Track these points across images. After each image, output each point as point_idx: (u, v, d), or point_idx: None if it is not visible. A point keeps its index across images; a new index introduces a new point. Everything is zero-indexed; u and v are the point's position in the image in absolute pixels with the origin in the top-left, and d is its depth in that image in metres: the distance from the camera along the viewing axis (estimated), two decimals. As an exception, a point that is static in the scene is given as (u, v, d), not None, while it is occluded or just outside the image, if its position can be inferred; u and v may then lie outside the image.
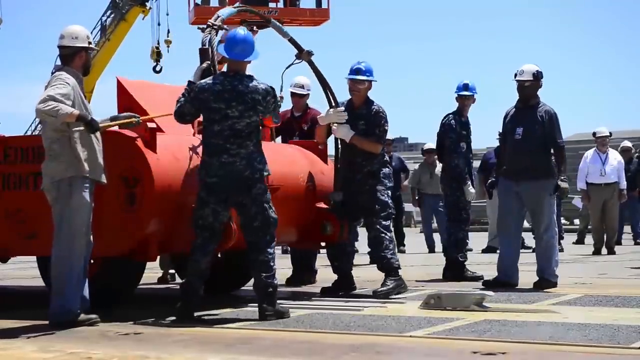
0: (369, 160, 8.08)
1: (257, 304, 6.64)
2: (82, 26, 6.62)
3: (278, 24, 8.27)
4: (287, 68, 8.18)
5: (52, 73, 6.45)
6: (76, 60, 6.51)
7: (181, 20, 31.88)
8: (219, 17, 7.70)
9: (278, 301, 6.67)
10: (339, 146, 8.22)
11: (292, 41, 8.14)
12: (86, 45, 6.54)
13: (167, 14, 25.47)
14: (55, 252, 6.36)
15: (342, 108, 8.03)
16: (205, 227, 6.62)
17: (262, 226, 6.64)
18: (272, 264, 6.63)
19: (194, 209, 6.66)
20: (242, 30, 6.86)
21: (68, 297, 6.30)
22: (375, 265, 8.21)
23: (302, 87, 9.69)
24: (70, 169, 6.30)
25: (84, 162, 6.31)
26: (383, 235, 8.00)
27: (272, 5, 21.45)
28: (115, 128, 6.76)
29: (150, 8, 26.09)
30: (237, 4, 8.16)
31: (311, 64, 8.17)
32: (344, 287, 8.19)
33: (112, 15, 26.93)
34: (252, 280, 6.80)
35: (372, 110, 8.11)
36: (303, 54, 8.12)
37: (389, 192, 8.26)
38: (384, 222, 8.04)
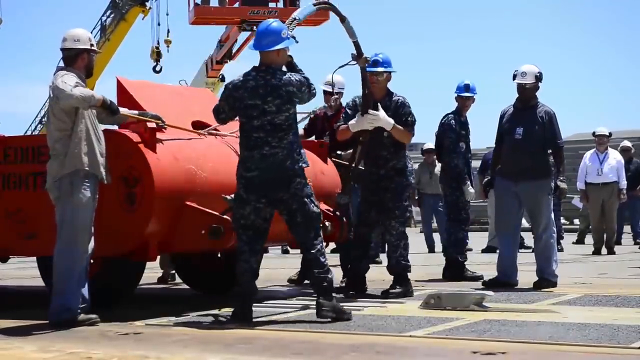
0: (395, 154, 7.98)
1: (314, 300, 6.50)
2: (84, 29, 6.67)
3: (350, 24, 8.05)
4: (340, 67, 7.94)
5: (54, 74, 6.47)
6: (78, 61, 6.55)
7: (181, 20, 31.84)
8: (295, 20, 7.27)
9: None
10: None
11: (356, 44, 7.86)
12: (88, 47, 6.57)
13: (167, 14, 25.43)
14: (57, 250, 6.36)
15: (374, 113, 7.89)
16: (248, 227, 6.47)
17: (305, 222, 6.47)
18: (322, 259, 6.45)
19: (234, 209, 6.54)
20: (267, 22, 6.65)
21: (68, 295, 6.30)
22: (388, 268, 8.11)
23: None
24: (69, 166, 6.32)
25: (82, 156, 6.31)
26: (398, 242, 7.94)
27: (272, 5, 21.31)
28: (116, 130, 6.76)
29: (150, 8, 26.08)
30: (316, 2, 7.78)
31: (363, 70, 7.91)
32: (356, 288, 8.12)
33: (112, 15, 26.93)
34: None
35: (396, 101, 8.00)
36: (361, 59, 7.84)
37: (409, 192, 8.22)
38: (400, 228, 7.95)
